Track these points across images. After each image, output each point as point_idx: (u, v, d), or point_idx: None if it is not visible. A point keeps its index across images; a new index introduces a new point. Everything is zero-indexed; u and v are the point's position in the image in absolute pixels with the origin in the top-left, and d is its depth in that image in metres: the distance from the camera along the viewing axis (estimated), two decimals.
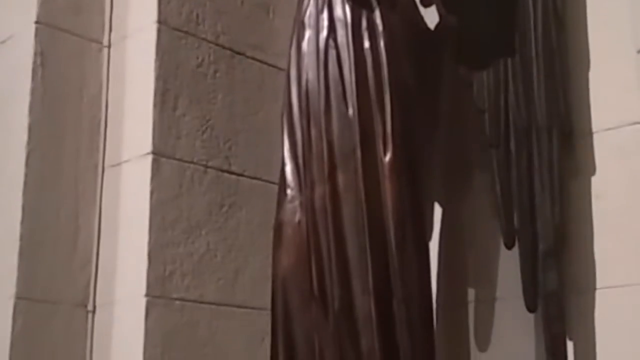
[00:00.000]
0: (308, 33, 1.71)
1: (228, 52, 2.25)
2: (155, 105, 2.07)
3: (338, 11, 1.68)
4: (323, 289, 1.59)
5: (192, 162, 2.12)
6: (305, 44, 1.70)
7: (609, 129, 1.89)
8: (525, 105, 1.82)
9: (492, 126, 1.81)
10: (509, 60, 1.83)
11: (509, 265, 1.87)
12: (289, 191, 1.66)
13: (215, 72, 2.22)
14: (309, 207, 1.61)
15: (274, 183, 2.27)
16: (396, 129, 1.59)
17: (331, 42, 1.66)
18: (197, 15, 2.21)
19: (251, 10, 2.33)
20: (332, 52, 1.66)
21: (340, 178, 1.59)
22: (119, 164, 2.12)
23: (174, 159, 2.08)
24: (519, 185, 1.79)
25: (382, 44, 1.64)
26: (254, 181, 2.24)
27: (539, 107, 1.82)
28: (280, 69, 2.37)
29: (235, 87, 2.25)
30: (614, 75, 1.88)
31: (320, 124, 1.63)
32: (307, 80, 1.67)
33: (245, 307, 2.15)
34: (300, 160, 1.65)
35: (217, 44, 2.23)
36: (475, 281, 1.90)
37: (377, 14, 1.66)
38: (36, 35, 2.08)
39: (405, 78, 1.65)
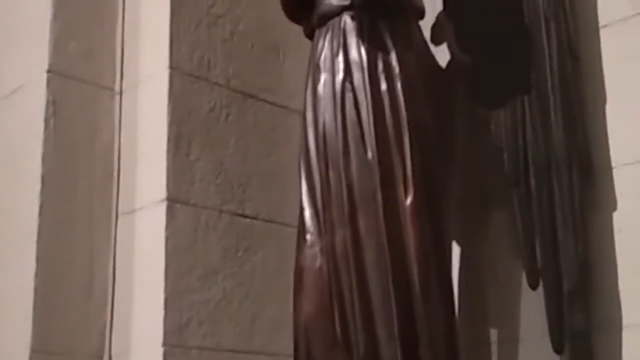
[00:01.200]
0: (324, 76, 1.70)
1: (239, 95, 2.25)
2: (168, 150, 2.06)
3: (353, 54, 1.67)
4: (347, 335, 1.55)
5: (206, 207, 2.10)
6: (321, 87, 1.69)
7: (628, 164, 1.86)
8: (543, 141, 1.80)
9: (511, 164, 1.79)
10: (525, 97, 1.81)
11: (530, 304, 1.84)
12: (308, 236, 1.63)
13: (228, 115, 2.21)
14: (329, 252, 1.58)
15: (288, 225, 2.26)
16: (416, 171, 1.57)
17: (348, 85, 1.64)
18: (209, 60, 2.20)
19: (262, 53, 2.33)
20: (349, 95, 1.64)
21: (361, 222, 1.57)
22: (132, 211, 2.10)
23: (189, 204, 2.06)
24: (541, 223, 1.77)
25: (399, 85, 1.63)
26: (269, 224, 2.22)
27: (557, 142, 1.80)
28: (291, 110, 2.37)
29: (248, 130, 2.24)
30: (632, 109, 1.86)
31: (339, 167, 1.61)
32: (324, 124, 1.66)
33: (263, 354, 2.11)
34: (319, 205, 1.63)
35: (228, 88, 2.23)
36: (497, 321, 1.86)
37: (393, 55, 1.65)
38: (48, 84, 2.08)
39: (423, 119, 1.64)
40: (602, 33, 1.96)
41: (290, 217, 2.27)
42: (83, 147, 2.11)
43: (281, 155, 2.29)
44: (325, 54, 1.70)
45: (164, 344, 1.93)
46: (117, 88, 2.22)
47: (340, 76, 1.67)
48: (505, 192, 1.80)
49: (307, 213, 1.65)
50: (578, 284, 1.74)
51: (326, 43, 1.71)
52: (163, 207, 2.02)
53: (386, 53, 1.64)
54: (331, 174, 1.62)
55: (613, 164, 1.88)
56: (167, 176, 2.04)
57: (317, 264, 1.60)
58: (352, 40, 1.68)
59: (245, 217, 2.17)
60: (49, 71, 2.09)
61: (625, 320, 1.80)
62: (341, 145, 1.62)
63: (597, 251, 1.83)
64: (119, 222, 2.13)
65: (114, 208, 2.13)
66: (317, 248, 1.60)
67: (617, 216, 1.86)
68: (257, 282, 2.15)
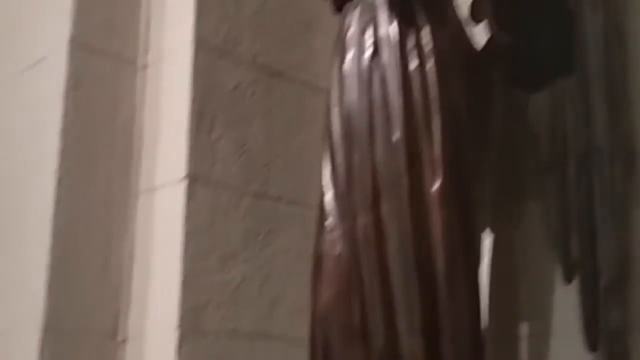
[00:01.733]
0: (351, 53, 1.61)
1: (266, 72, 2.16)
2: (190, 128, 1.98)
3: (383, 29, 1.58)
4: (366, 326, 1.47)
5: (228, 188, 2.02)
6: (347, 64, 1.60)
7: None
8: (584, 128, 1.69)
9: (549, 150, 1.68)
10: (567, 80, 1.70)
11: (564, 298, 1.74)
12: (328, 221, 1.54)
13: (253, 93, 2.13)
14: (350, 238, 1.50)
15: (312, 208, 2.18)
16: (445, 155, 1.48)
17: (376, 63, 1.55)
18: (235, 35, 2.12)
19: (291, 29, 2.24)
20: (376, 73, 1.55)
21: (385, 207, 1.48)
22: (152, 189, 2.04)
23: (210, 183, 1.99)
24: (578, 213, 1.67)
25: (430, 64, 1.53)
26: (292, 207, 2.14)
27: (599, 130, 1.69)
28: (321, 88, 2.27)
29: (273, 108, 2.16)
30: None
31: (364, 149, 1.52)
32: (349, 103, 1.57)
33: (282, 339, 2.04)
34: (342, 188, 1.54)
35: (255, 65, 2.15)
36: (529, 315, 1.77)
37: (426, 32, 1.55)
38: (70, 56, 2.01)
39: (456, 101, 1.54)
40: None
41: (314, 200, 2.19)
42: (104, 122, 2.05)
43: (308, 135, 2.21)
44: (353, 29, 1.61)
45: (180, 326, 1.86)
46: (140, 62, 2.14)
47: (368, 53, 1.57)
48: (541, 181, 1.69)
49: (328, 196, 1.56)
50: (615, 280, 1.64)
51: (355, 17, 1.62)
52: (183, 185, 1.95)
53: (418, 29, 1.55)
54: (355, 155, 1.53)
55: None
56: (189, 154, 1.97)
57: (337, 250, 1.51)
58: (383, 16, 1.59)
59: (268, 198, 2.09)
60: (71, 42, 2.02)
61: None
62: (366, 125, 1.53)
63: (637, 247, 1.71)
64: (139, 200, 2.06)
65: (134, 185, 2.07)
66: (337, 233, 1.52)
67: None
68: (278, 266, 2.07)
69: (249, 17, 2.17)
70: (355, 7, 1.65)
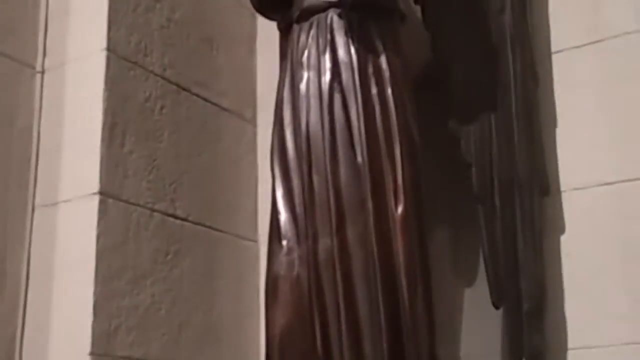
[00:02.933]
0: (307, 74, 1.60)
1: (174, 87, 2.10)
2: (103, 140, 1.87)
3: (342, 53, 1.59)
4: (328, 350, 1.46)
5: (138, 205, 1.93)
6: (303, 85, 1.58)
7: (577, 189, 1.90)
8: (507, 160, 1.80)
9: (479, 181, 1.77)
10: (492, 115, 1.80)
11: (485, 322, 1.83)
12: (284, 242, 1.52)
13: (162, 107, 2.05)
14: (310, 260, 1.48)
15: (216, 230, 2.14)
16: (407, 181, 1.51)
17: (336, 86, 1.56)
18: (145, 46, 2.04)
19: (196, 45, 2.19)
20: (337, 96, 1.55)
21: (350, 230, 1.48)
22: (54, 204, 1.89)
23: (121, 200, 1.88)
24: (504, 242, 1.76)
25: (389, 90, 1.56)
26: (198, 227, 2.08)
27: (520, 162, 1.81)
28: (222, 108, 2.24)
29: (181, 125, 2.10)
30: (583, 135, 1.90)
31: (326, 171, 1.51)
32: (307, 124, 1.56)
33: None
34: (299, 209, 1.52)
35: (163, 78, 2.07)
36: (455, 339, 1.83)
37: (383, 59, 1.58)
38: None
39: (412, 127, 1.58)
40: (555, 58, 1.99)
41: (219, 220, 2.15)
42: (1, 127, 1.88)
43: (212, 154, 2.17)
44: (310, 50, 1.60)
45: (92, 352, 1.74)
46: (39, 66, 1.99)
47: (327, 75, 1.57)
48: (470, 209, 1.77)
49: (283, 217, 1.53)
50: (536, 305, 1.74)
51: (310, 39, 1.61)
52: (95, 201, 1.83)
53: (376, 55, 1.57)
54: (315, 177, 1.52)
55: (562, 188, 1.91)
56: (101, 168, 1.85)
57: (295, 272, 1.49)
58: (341, 39, 1.60)
59: (176, 217, 2.02)
60: None
61: (570, 343, 1.82)
62: (329, 148, 1.52)
63: (549, 274, 1.84)
64: (36, 215, 1.90)
65: (31, 198, 1.91)
66: (294, 255, 1.50)
67: (564, 240, 1.89)
68: (185, 288, 2.00)
69: (158, 29, 2.09)
70: (310, 28, 1.64)
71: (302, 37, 1.63)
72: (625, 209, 1.82)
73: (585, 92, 1.92)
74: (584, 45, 1.96)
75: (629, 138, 1.84)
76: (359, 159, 1.51)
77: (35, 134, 1.96)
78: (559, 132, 1.95)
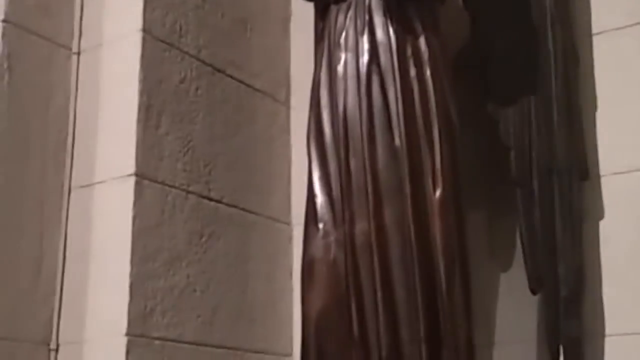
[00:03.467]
0: (345, 56, 1.58)
1: (209, 68, 2.09)
2: (139, 121, 1.87)
3: (380, 34, 1.56)
4: (365, 333, 1.45)
5: (174, 187, 1.93)
6: (341, 67, 1.57)
7: (617, 173, 1.86)
8: (547, 144, 1.77)
9: (518, 164, 1.74)
10: (532, 98, 1.77)
11: (521, 308, 1.81)
12: (321, 225, 1.51)
13: (197, 89, 2.05)
14: (348, 243, 1.47)
15: (249, 212, 2.13)
16: (445, 164, 1.49)
17: (374, 67, 1.54)
18: (181, 27, 2.03)
19: (230, 25, 2.18)
20: (375, 78, 1.53)
21: (387, 214, 1.47)
22: (90, 185, 1.90)
23: (157, 182, 1.88)
24: (542, 227, 1.73)
25: (428, 72, 1.54)
26: (232, 209, 2.08)
27: (559, 146, 1.78)
28: (256, 89, 2.23)
29: (215, 106, 2.09)
30: (624, 118, 1.87)
31: (363, 154, 1.50)
32: (344, 106, 1.54)
33: (223, 347, 1.97)
34: (336, 193, 1.51)
35: (198, 59, 2.06)
36: (492, 324, 1.82)
37: (422, 40, 1.56)
38: (4, 35, 1.83)
39: (450, 110, 1.56)
40: (595, 40, 1.95)
41: (253, 202, 2.15)
42: (37, 108, 1.89)
43: (245, 136, 2.16)
44: (347, 31, 1.58)
45: (128, 333, 1.74)
46: (75, 47, 1.99)
47: (365, 57, 1.55)
48: (509, 193, 1.75)
49: (320, 200, 1.53)
50: (574, 291, 1.72)
51: (348, 20, 1.59)
52: (131, 182, 1.84)
53: (415, 37, 1.55)
54: (352, 160, 1.51)
55: (602, 173, 1.87)
56: (137, 149, 1.85)
57: (332, 255, 1.48)
58: (379, 20, 1.57)
59: (211, 199, 2.02)
60: (4, 21, 1.84)
61: (608, 330, 1.79)
62: (366, 130, 1.51)
63: (587, 259, 1.81)
64: (72, 196, 1.91)
65: (67, 180, 1.91)
66: (331, 238, 1.49)
67: (603, 225, 1.86)
68: (219, 270, 2.00)
69: (193, 9, 2.08)
70: (348, 9, 1.62)
71: (340, 18, 1.61)
72: None
73: (626, 75, 1.88)
74: (625, 27, 1.91)
75: None
76: (397, 142, 1.49)
77: (71, 115, 1.96)
78: (599, 115, 1.91)
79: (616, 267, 1.82)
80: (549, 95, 1.79)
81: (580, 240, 1.76)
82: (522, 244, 1.73)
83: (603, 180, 1.87)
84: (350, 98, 1.54)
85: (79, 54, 2.00)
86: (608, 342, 1.79)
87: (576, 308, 1.71)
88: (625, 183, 1.84)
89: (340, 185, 1.51)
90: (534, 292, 1.71)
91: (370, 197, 1.48)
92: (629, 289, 1.79)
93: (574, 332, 1.70)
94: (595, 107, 1.91)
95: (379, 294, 1.45)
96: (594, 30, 1.95)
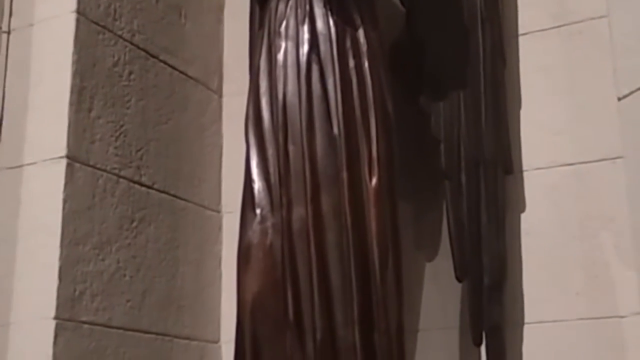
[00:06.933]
0: (285, 44, 1.60)
1: (143, 53, 2.08)
2: (71, 104, 1.85)
3: (320, 25, 1.60)
4: (300, 317, 1.48)
5: (105, 170, 1.91)
6: (281, 55, 1.59)
7: (538, 168, 1.95)
8: (475, 138, 1.84)
9: (448, 157, 1.80)
10: (462, 93, 1.83)
11: (446, 296, 1.87)
12: (258, 211, 1.53)
13: (130, 73, 2.04)
14: (285, 229, 1.50)
15: (180, 199, 2.14)
16: (381, 154, 1.53)
17: (314, 57, 1.57)
18: (115, 10, 2.02)
19: (165, 11, 2.17)
20: (315, 67, 1.57)
21: (324, 201, 1.50)
22: (20, 167, 1.87)
23: (88, 165, 1.87)
24: (469, 218, 1.80)
25: (366, 63, 1.58)
26: (163, 195, 2.08)
27: (486, 141, 1.85)
28: (189, 76, 2.24)
29: (148, 91, 2.09)
30: (547, 117, 1.95)
31: (302, 141, 1.53)
32: (284, 94, 1.57)
33: (151, 333, 1.97)
34: (274, 179, 1.53)
35: (132, 44, 2.05)
36: (418, 311, 1.87)
37: (361, 32, 1.59)
38: None
39: (387, 101, 1.60)
40: (521, 41, 2.03)
41: (184, 189, 2.15)
42: None
43: (177, 123, 2.16)
44: (288, 21, 1.60)
45: (56, 317, 1.73)
46: (5, 26, 1.95)
47: (306, 46, 1.58)
48: (435, 185, 1.81)
49: (257, 186, 1.55)
50: (497, 280, 1.79)
51: (289, 9, 1.62)
52: (62, 165, 1.82)
53: (354, 29, 1.59)
54: (291, 147, 1.54)
55: (524, 168, 1.96)
56: (68, 131, 1.83)
57: (268, 240, 1.51)
58: (319, 11, 1.61)
59: (142, 185, 2.01)
60: None
61: (527, 318, 1.87)
62: (305, 118, 1.54)
63: (510, 249, 1.89)
64: (0, 177, 1.87)
65: None
66: (268, 223, 1.51)
67: (525, 217, 1.94)
68: (149, 255, 2.00)
69: None
70: None
71: (281, 7, 1.63)
72: (583, 189, 1.87)
73: (548, 75, 1.96)
74: (549, 29, 2.00)
75: (588, 121, 1.89)
76: (335, 130, 1.53)
77: (0, 94, 1.91)
78: (523, 113, 1.99)
79: (536, 257, 1.89)
80: (478, 91, 1.86)
81: (503, 231, 1.83)
82: (450, 233, 1.78)
83: (525, 175, 1.95)
84: (290, 86, 1.56)
85: (9, 32, 1.95)
86: (527, 329, 1.86)
87: (498, 296, 1.78)
88: (545, 178, 1.92)
89: (279, 172, 1.53)
90: (459, 280, 1.77)
91: (308, 183, 1.51)
92: (548, 279, 1.87)
93: (496, 319, 1.77)
94: (519, 105, 1.99)
95: (315, 279, 1.48)
96: (521, 30, 2.03)
